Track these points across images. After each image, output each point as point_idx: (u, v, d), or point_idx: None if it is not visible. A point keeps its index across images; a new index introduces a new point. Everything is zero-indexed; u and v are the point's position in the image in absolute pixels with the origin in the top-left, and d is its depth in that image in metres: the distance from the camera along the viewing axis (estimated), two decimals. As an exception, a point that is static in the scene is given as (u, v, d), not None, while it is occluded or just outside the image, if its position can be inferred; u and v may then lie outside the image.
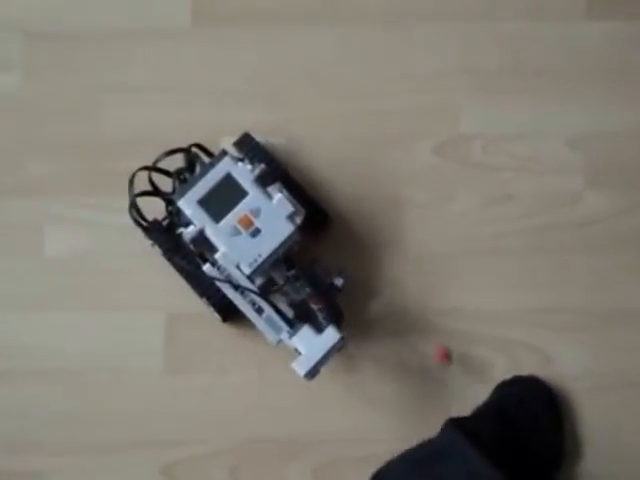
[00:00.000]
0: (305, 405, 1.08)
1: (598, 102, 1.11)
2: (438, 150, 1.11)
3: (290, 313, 1.01)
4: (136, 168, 1.03)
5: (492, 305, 1.08)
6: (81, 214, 1.11)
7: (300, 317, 1.01)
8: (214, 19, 1.13)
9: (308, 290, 1.00)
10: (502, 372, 1.07)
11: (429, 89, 1.11)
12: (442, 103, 1.11)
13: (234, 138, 1.08)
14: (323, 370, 0.98)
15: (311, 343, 0.99)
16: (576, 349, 1.08)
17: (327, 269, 1.02)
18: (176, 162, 1.04)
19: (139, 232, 1.05)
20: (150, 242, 1.06)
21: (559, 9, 1.12)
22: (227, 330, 1.08)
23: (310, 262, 1.03)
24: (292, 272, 1.01)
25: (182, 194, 0.99)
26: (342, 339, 0.98)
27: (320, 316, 1.00)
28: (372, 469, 1.01)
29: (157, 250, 1.05)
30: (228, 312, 1.04)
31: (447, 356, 1.08)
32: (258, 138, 1.08)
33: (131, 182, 1.03)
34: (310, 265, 1.03)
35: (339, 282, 1.02)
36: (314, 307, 1.00)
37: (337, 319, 1.02)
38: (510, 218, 1.10)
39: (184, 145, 1.05)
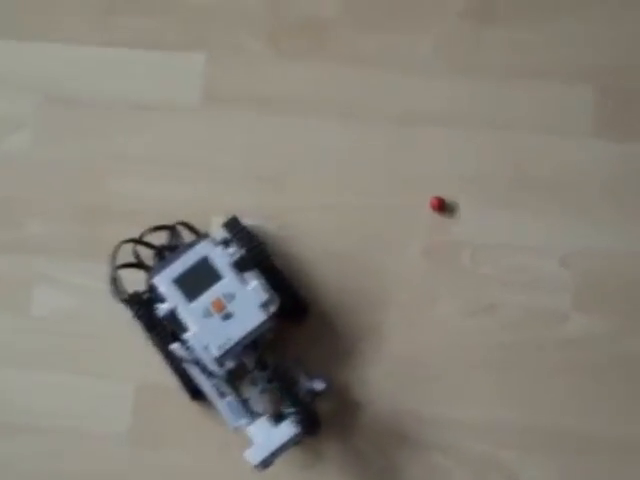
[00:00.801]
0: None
1: (597, 222, 1.09)
2: (428, 252, 1.10)
3: (260, 402, 1.02)
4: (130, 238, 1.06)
5: (463, 415, 1.06)
6: (71, 277, 1.13)
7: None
8: (224, 100, 1.15)
9: (267, 386, 1.02)
10: (465, 486, 1.06)
11: (428, 191, 1.11)
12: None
13: (226, 218, 1.09)
14: (283, 464, 0.98)
15: (267, 434, 0.98)
16: (544, 472, 1.05)
17: (307, 372, 1.03)
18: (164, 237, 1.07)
19: (124, 301, 1.06)
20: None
21: (565, 125, 1.11)
22: (194, 408, 1.08)
23: (294, 361, 1.04)
24: (257, 364, 1.02)
25: (158, 271, 1.01)
26: (298, 434, 0.98)
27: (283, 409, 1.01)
28: None
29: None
30: (197, 391, 1.04)
31: (441, 205, 1.09)
32: (251, 221, 1.09)
33: (114, 254, 1.05)
34: (293, 364, 1.03)
35: (319, 386, 1.03)
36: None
37: (311, 424, 1.01)
38: (492, 329, 1.08)
39: (174, 221, 1.07)
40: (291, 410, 1.00)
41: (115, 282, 1.05)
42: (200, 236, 1.05)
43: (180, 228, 1.09)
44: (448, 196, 1.11)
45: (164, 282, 1.00)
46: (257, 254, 1.06)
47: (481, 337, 1.08)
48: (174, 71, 1.16)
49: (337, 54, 1.15)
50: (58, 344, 1.11)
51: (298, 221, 1.12)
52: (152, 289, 1.02)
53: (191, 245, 1.02)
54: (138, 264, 1.06)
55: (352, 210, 1.12)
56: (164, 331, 1.03)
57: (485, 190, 1.11)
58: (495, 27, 1.14)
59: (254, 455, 0.97)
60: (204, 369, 0.99)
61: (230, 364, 1.01)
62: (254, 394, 1.02)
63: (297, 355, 1.05)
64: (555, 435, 1.05)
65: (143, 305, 1.04)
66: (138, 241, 1.06)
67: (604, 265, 1.08)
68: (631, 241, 1.09)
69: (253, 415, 1.00)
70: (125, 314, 1.07)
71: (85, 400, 1.10)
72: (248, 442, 0.99)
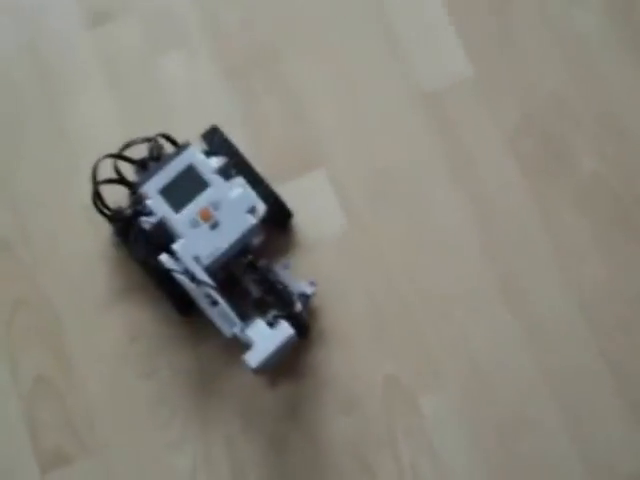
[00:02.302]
0: None
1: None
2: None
3: (252, 308, 1.02)
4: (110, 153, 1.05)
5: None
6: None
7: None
8: None
9: (258, 291, 1.02)
10: None
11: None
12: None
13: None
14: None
15: (264, 336, 0.98)
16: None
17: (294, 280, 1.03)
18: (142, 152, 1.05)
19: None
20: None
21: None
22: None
23: (282, 265, 1.04)
24: (246, 269, 1.02)
25: (144, 182, 1.00)
26: (295, 336, 0.98)
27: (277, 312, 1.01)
28: None
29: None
30: (186, 306, 1.03)
31: None
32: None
33: (94, 171, 1.03)
34: (281, 268, 1.03)
35: (309, 289, 1.03)
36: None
37: (304, 327, 1.02)
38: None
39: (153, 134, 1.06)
40: (284, 313, 1.00)
41: (98, 198, 1.03)
42: (182, 145, 1.03)
43: (160, 140, 1.07)
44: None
45: (151, 192, 0.99)
46: (240, 162, 1.05)
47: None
48: None
49: None
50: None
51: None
52: (138, 201, 1.01)
53: (176, 154, 1.01)
54: (120, 180, 1.05)
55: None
56: (149, 244, 1.01)
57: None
58: None
59: (254, 357, 0.97)
60: (194, 279, 0.98)
61: (220, 272, 1.00)
62: (246, 302, 1.02)
63: (286, 260, 1.05)
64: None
65: (127, 221, 1.02)
66: (118, 156, 1.05)
67: None
68: None
69: (247, 320, 0.99)
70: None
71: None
72: (244, 347, 0.98)
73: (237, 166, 1.05)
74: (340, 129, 1.12)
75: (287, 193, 1.08)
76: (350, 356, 1.05)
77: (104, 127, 1.13)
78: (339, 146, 1.12)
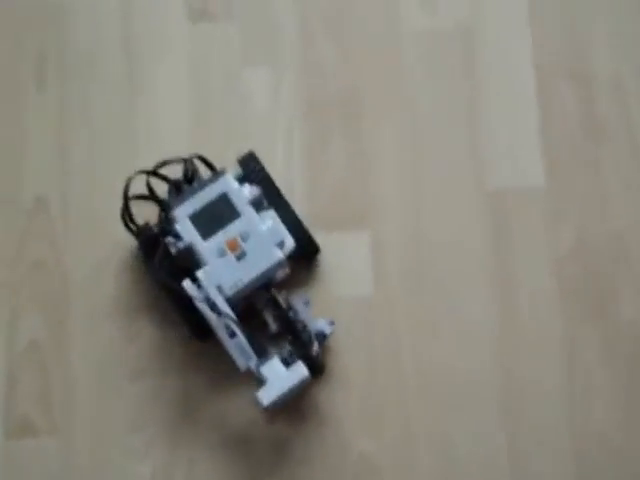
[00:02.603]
0: None
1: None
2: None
3: (269, 343, 1.01)
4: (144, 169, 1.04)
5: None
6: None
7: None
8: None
9: (277, 327, 1.01)
10: None
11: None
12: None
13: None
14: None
15: (278, 375, 0.98)
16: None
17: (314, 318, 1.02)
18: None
19: None
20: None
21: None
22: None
23: (303, 302, 1.02)
24: (267, 304, 1.01)
25: (176, 205, 0.99)
26: (309, 376, 0.98)
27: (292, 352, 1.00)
28: None
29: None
30: (201, 331, 1.02)
31: None
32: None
33: (126, 186, 1.02)
34: (302, 305, 1.02)
35: (328, 329, 1.02)
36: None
37: (315, 369, 1.01)
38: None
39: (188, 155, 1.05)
40: (301, 352, 0.99)
41: (127, 213, 1.03)
42: (216, 171, 1.03)
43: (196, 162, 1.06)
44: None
45: (181, 217, 0.99)
46: (272, 192, 1.04)
47: None
48: None
49: None
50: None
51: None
52: (168, 222, 1.00)
53: (211, 180, 1.00)
54: (151, 196, 1.04)
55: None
56: (173, 267, 1.00)
57: None
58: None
59: (266, 396, 0.97)
60: (214, 308, 0.98)
61: (241, 303, 1.00)
62: (264, 335, 1.01)
63: (307, 297, 1.04)
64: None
65: (152, 238, 1.01)
66: (153, 172, 1.04)
67: None
68: None
69: (263, 356, 0.99)
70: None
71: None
72: (257, 384, 0.98)
73: (269, 196, 1.03)
74: (396, 198, 1.10)
75: (326, 242, 1.07)
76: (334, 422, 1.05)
77: (171, 117, 1.13)
78: (390, 214, 1.10)
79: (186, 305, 0.99)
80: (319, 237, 1.07)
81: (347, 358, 1.06)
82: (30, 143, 1.12)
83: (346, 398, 1.05)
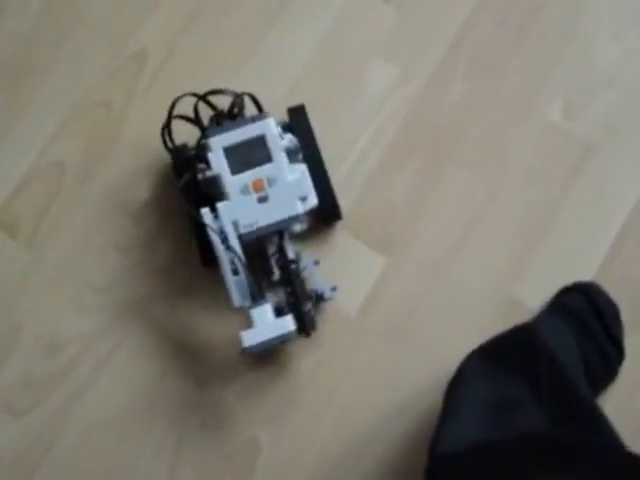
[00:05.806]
0: None
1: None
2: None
3: (267, 290, 1.02)
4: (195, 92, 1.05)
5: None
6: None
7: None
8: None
9: (279, 276, 1.02)
10: None
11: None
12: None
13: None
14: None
15: (266, 322, 0.99)
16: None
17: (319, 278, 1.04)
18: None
19: None
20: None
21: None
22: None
23: (312, 261, 1.04)
24: (276, 253, 1.02)
25: (213, 134, 1.00)
26: (293, 332, 0.99)
27: (288, 302, 1.01)
28: None
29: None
30: (210, 260, 1.04)
31: None
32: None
33: (174, 103, 1.04)
34: (310, 263, 1.04)
35: (328, 293, 1.04)
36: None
37: (308, 325, 1.02)
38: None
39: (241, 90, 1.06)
40: (293, 306, 1.01)
41: (167, 130, 1.05)
42: (262, 113, 1.04)
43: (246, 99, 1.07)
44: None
45: (215, 147, 1.00)
46: (311, 148, 1.05)
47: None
48: None
49: None
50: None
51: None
52: (203, 148, 1.01)
53: (253, 119, 1.01)
54: (196, 120, 1.05)
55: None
56: (198, 192, 1.02)
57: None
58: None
59: (248, 338, 0.98)
60: (225, 242, 0.99)
61: (253, 246, 1.01)
62: (264, 282, 1.02)
63: (318, 258, 1.05)
64: None
65: (186, 160, 1.03)
66: (202, 97, 1.05)
67: None
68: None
69: (257, 300, 0.99)
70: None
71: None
72: (246, 324, 0.99)
73: (307, 152, 1.05)
74: (432, 248, 1.10)
75: (348, 245, 1.09)
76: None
77: (290, 57, 1.16)
78: (416, 257, 1.10)
79: (200, 230, 1.01)
80: (345, 238, 1.09)
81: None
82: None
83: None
